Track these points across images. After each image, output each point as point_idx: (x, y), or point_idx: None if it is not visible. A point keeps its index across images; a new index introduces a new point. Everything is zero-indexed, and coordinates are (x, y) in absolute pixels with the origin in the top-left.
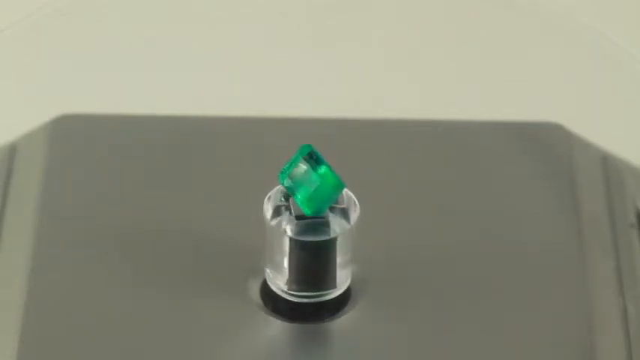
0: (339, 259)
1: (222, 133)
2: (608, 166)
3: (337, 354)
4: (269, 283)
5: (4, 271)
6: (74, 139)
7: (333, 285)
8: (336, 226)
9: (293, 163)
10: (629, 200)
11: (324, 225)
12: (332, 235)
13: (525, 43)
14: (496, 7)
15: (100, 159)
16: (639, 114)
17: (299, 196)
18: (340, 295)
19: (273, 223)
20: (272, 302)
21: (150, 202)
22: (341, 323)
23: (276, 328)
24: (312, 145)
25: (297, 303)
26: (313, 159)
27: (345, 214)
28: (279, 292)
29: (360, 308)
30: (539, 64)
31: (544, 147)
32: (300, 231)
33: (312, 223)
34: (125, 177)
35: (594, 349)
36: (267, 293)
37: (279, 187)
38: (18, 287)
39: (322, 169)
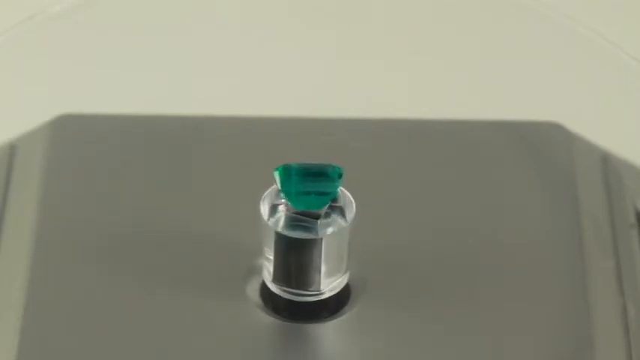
0: (336, 258)
1: (222, 133)
2: (608, 166)
3: (337, 354)
4: (267, 282)
5: (4, 271)
6: (74, 139)
7: (315, 288)
8: (333, 225)
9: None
10: (629, 200)
11: (314, 225)
12: (317, 236)
13: (525, 43)
14: (496, 7)
15: (100, 159)
16: (639, 114)
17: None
18: (340, 294)
19: (270, 222)
20: (272, 302)
21: (149, 202)
22: (340, 323)
23: (276, 327)
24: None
25: (296, 302)
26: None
27: (341, 212)
28: (277, 291)
29: (359, 308)
30: (539, 64)
31: (544, 147)
32: (289, 227)
33: (303, 221)
34: (125, 177)
35: (594, 349)
36: (266, 293)
37: (274, 187)
38: (18, 287)
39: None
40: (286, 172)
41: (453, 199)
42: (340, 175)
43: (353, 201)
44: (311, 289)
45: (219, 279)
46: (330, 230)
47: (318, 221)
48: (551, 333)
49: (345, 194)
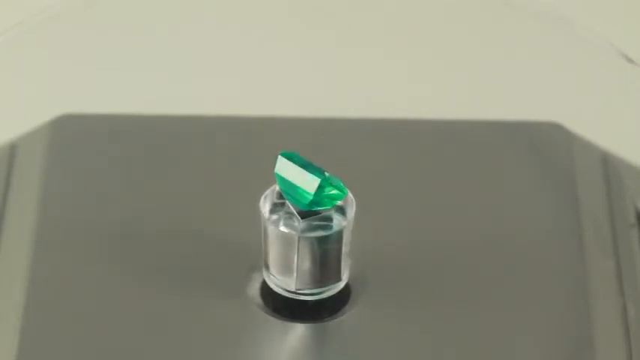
0: (331, 259)
1: (222, 133)
2: (608, 166)
3: (337, 353)
4: (267, 281)
5: (4, 271)
6: (74, 139)
7: (338, 278)
8: (334, 222)
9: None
10: (629, 200)
11: (327, 220)
12: (336, 229)
13: (525, 43)
14: (496, 7)
15: (100, 159)
16: (639, 114)
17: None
18: (340, 294)
19: (271, 221)
20: (272, 302)
21: (149, 202)
22: (341, 322)
23: (276, 327)
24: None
25: (296, 301)
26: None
27: (342, 210)
28: (278, 291)
29: (360, 308)
30: (540, 64)
31: (544, 147)
32: (307, 229)
33: (316, 220)
34: (125, 177)
35: (594, 349)
36: (267, 293)
37: (275, 186)
38: (18, 287)
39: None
40: (289, 158)
41: (453, 199)
42: (334, 186)
43: (354, 200)
44: (335, 280)
45: (220, 279)
46: (313, 233)
47: (301, 220)
48: (551, 333)
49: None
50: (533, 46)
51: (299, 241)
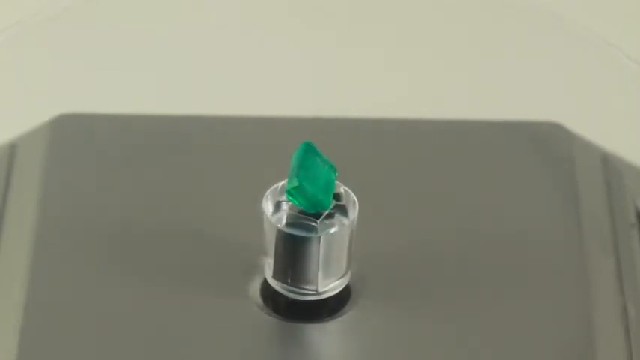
0: (337, 257)
1: (222, 133)
2: (608, 166)
3: (337, 354)
4: (268, 280)
5: (4, 271)
6: (74, 139)
7: (312, 288)
8: (336, 223)
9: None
10: (629, 200)
11: (313, 223)
12: (314, 234)
13: (525, 43)
14: (496, 7)
15: (100, 159)
16: (639, 114)
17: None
18: (340, 294)
19: (273, 219)
20: (272, 301)
21: (149, 202)
22: (341, 322)
23: (276, 327)
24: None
25: (297, 301)
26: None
27: (343, 211)
28: (278, 289)
29: (360, 308)
30: (539, 64)
31: (544, 147)
32: (290, 224)
33: (304, 219)
34: (125, 177)
35: (594, 349)
36: (267, 293)
37: (277, 185)
38: (18, 287)
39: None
40: (307, 150)
41: (453, 199)
42: (310, 196)
43: (356, 201)
44: (306, 287)
45: (220, 279)
46: (288, 229)
47: (287, 212)
48: (551, 333)
49: (348, 194)
50: (533, 46)
51: (277, 231)
